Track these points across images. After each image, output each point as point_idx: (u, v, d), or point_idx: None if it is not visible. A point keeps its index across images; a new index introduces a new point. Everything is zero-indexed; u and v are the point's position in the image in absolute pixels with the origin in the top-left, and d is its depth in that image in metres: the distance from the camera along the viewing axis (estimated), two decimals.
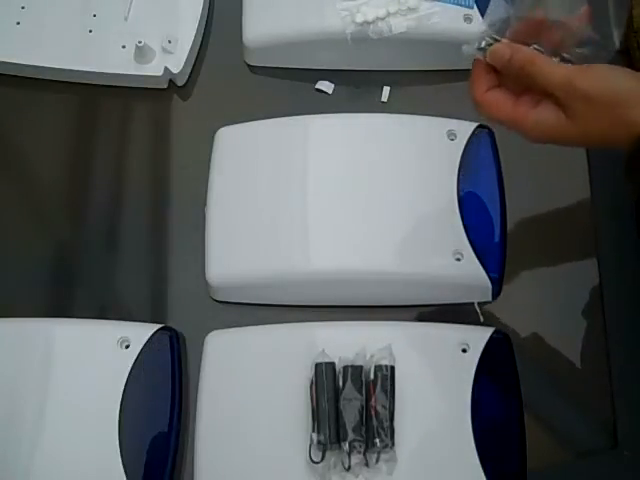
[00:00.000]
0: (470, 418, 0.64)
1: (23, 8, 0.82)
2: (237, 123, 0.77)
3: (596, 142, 0.58)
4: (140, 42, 0.78)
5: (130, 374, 0.66)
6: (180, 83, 0.82)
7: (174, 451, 0.66)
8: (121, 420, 0.65)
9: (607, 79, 0.56)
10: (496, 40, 0.59)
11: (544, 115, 0.58)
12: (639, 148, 0.54)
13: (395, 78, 0.82)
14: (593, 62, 0.57)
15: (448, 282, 0.70)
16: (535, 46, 0.58)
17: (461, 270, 0.69)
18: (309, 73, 0.82)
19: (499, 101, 0.59)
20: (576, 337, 0.72)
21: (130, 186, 0.78)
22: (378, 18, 0.76)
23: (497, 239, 0.71)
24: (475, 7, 0.78)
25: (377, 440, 0.62)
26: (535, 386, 0.68)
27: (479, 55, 0.59)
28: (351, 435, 0.62)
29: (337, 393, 0.64)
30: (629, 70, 0.56)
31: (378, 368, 0.64)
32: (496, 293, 0.71)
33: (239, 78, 0.83)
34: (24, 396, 0.66)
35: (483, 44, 0.59)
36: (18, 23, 0.81)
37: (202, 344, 0.69)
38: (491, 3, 0.59)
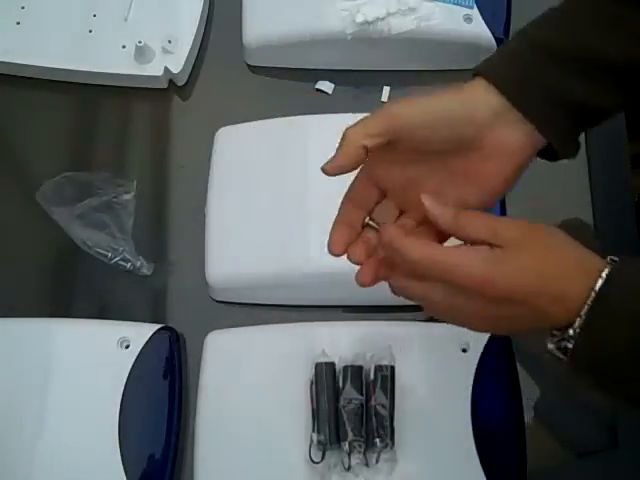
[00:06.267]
0: (470, 418, 0.64)
1: (23, 8, 0.82)
2: (237, 123, 0.77)
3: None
4: (140, 42, 0.78)
5: (130, 374, 0.66)
6: (180, 83, 0.82)
7: (174, 451, 0.66)
8: (121, 420, 0.65)
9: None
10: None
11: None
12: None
13: (395, 78, 0.82)
14: None
15: None
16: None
17: None
18: (309, 73, 0.82)
19: None
20: None
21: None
22: (378, 18, 0.76)
23: None
24: (475, 7, 0.78)
25: (377, 440, 0.62)
26: (535, 386, 0.68)
27: None
28: (351, 435, 0.62)
29: (337, 393, 0.64)
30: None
31: (378, 368, 0.64)
32: None
33: (239, 78, 0.83)
34: (24, 396, 0.66)
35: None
36: (18, 23, 0.81)
37: (202, 344, 0.69)
38: None
